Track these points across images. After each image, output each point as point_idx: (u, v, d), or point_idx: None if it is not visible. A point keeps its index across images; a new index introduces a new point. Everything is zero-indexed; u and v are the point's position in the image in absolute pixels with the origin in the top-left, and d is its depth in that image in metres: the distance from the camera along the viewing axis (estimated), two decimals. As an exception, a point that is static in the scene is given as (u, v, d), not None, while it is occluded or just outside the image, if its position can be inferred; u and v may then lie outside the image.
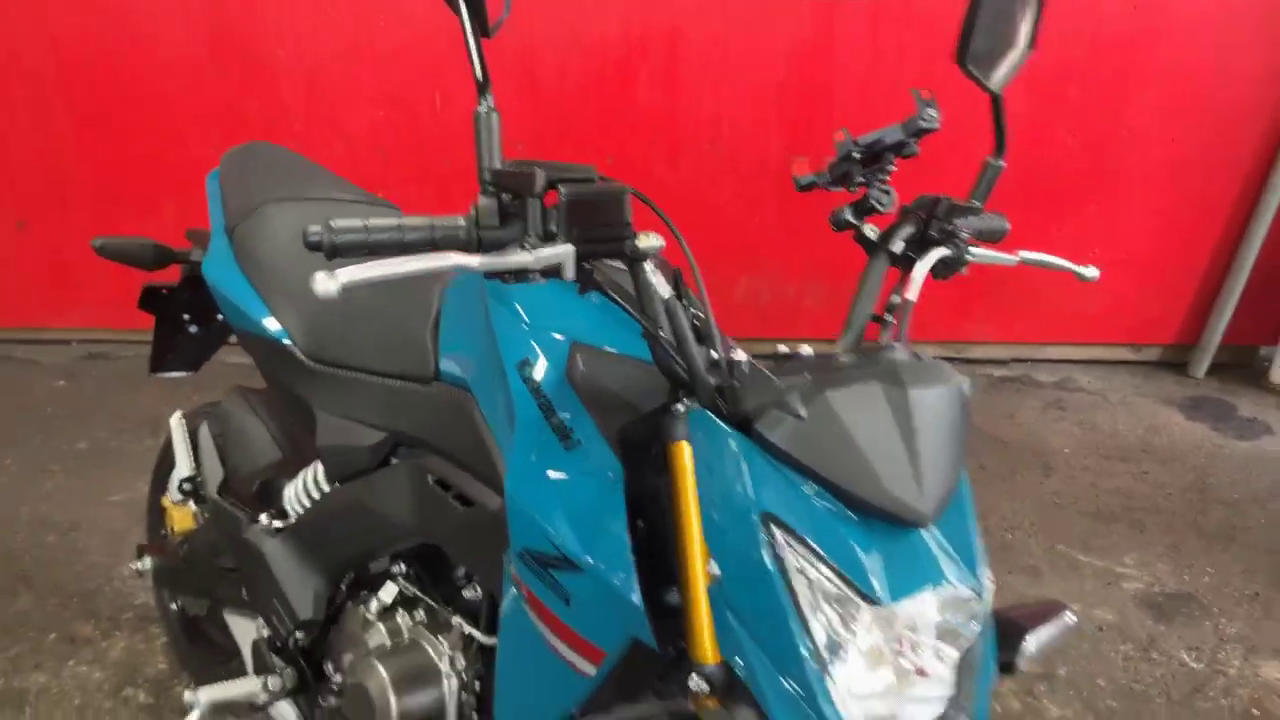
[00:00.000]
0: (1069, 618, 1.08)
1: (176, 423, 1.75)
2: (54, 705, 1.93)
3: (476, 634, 1.24)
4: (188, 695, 1.38)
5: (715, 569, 0.86)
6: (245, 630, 1.61)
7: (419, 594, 1.33)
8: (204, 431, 1.69)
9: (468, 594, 1.30)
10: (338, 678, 1.37)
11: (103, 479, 2.72)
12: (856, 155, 1.07)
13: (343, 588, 1.44)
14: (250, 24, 3.13)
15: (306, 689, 1.43)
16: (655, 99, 3.23)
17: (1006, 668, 1.01)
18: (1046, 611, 1.07)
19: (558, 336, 1.04)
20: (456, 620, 1.27)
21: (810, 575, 0.82)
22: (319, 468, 1.44)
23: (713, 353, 0.88)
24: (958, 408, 0.89)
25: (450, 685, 1.26)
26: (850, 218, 1.10)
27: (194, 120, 3.25)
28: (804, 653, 0.81)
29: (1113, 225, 3.51)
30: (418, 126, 3.08)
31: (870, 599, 0.81)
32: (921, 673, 0.85)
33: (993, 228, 1.23)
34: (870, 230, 1.10)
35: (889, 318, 1.07)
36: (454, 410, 1.17)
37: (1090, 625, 2.30)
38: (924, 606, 0.84)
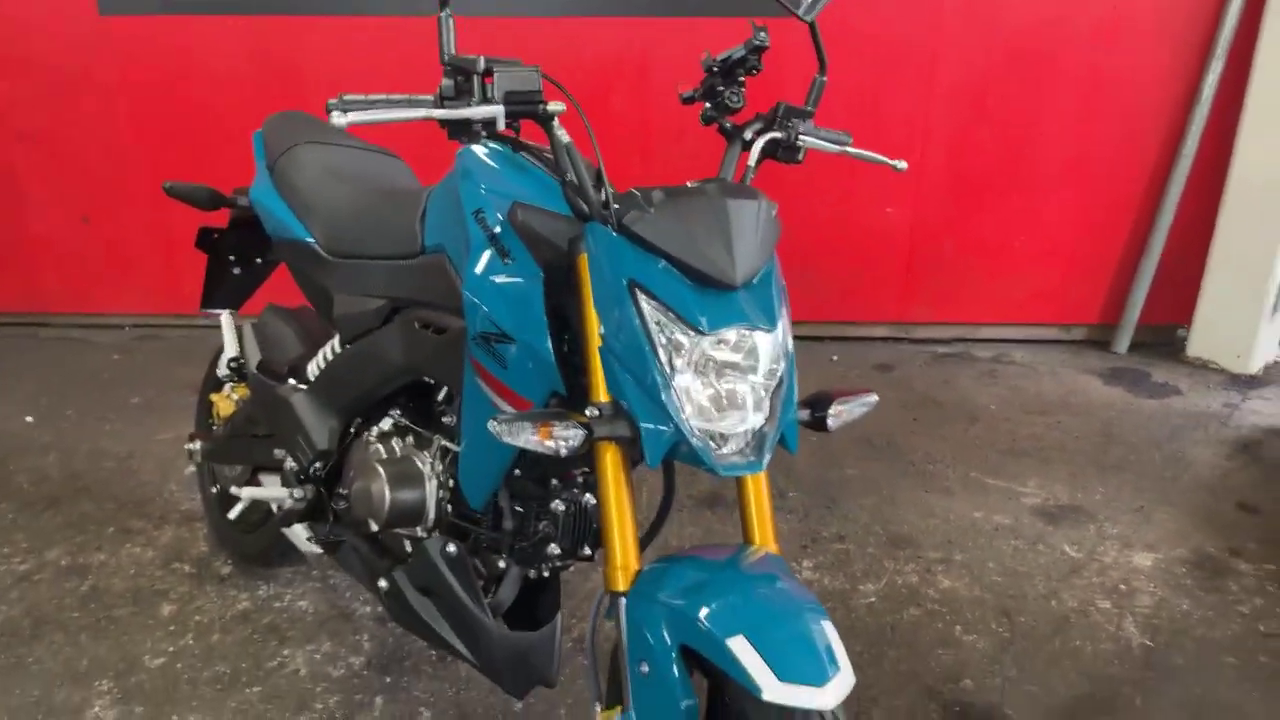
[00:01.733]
0: (873, 398, 1.48)
1: (227, 319, 2.20)
2: (112, 575, 2.35)
3: (451, 445, 1.66)
4: (233, 489, 1.80)
5: (603, 330, 1.28)
6: (273, 482, 2.04)
7: (409, 424, 1.76)
8: (247, 328, 2.15)
9: (446, 419, 1.72)
10: (345, 490, 1.80)
11: (153, 424, 3.16)
12: (715, 68, 1.52)
13: (351, 429, 1.87)
14: (286, 46, 3.69)
15: (322, 510, 1.85)
16: (628, 111, 3.75)
17: (819, 424, 1.42)
18: (856, 392, 1.47)
19: (504, 197, 1.49)
20: (436, 437, 1.69)
21: (659, 319, 1.23)
22: (334, 341, 1.88)
23: (605, 190, 1.32)
24: (766, 215, 1.30)
25: (431, 485, 1.67)
26: (713, 113, 1.54)
27: (238, 129, 3.78)
28: (654, 372, 1.21)
29: (1035, 218, 3.96)
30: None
31: (697, 330, 1.23)
32: (734, 396, 1.26)
33: (834, 137, 1.65)
34: (728, 124, 1.54)
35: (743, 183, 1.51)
36: (434, 270, 1.60)
37: (989, 527, 2.68)
38: (734, 340, 1.25)
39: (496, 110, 1.28)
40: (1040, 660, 2.12)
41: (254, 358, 2.08)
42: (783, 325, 1.31)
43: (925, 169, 3.86)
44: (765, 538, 1.37)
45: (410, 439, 1.76)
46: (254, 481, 2.15)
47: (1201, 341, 3.95)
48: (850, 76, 3.64)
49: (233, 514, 1.88)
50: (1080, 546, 2.60)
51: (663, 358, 1.22)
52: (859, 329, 4.12)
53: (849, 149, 1.61)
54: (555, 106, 1.32)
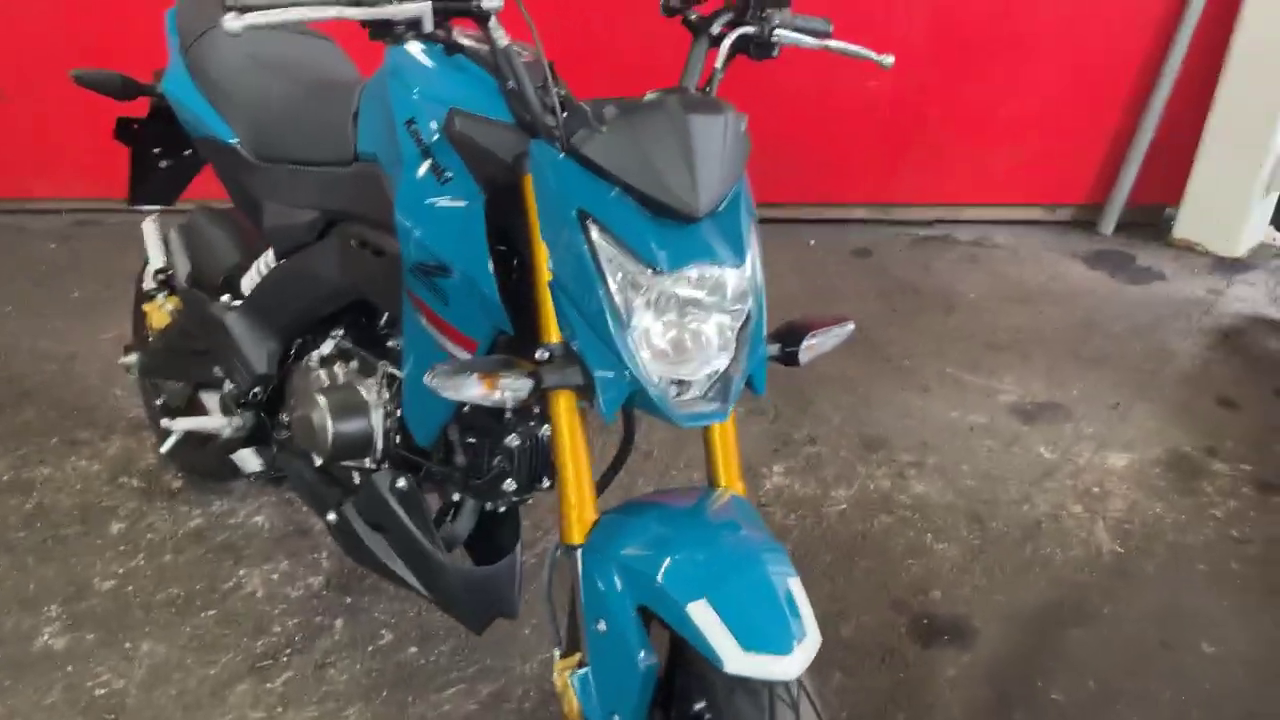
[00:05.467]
0: (849, 328, 1.36)
1: (149, 225, 2.03)
2: (57, 490, 2.26)
3: (397, 372, 1.54)
4: (164, 422, 1.69)
5: (552, 265, 1.15)
6: (213, 401, 1.92)
7: (353, 348, 1.64)
8: (174, 234, 1.98)
9: (390, 344, 1.60)
10: (287, 415, 1.68)
11: (96, 321, 3.00)
12: None
13: (292, 352, 1.74)
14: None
15: (265, 436, 1.75)
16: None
17: (791, 359, 1.31)
18: (830, 321, 1.35)
19: (440, 104, 1.31)
20: (382, 364, 1.57)
21: (612, 255, 1.10)
22: (268, 254, 1.72)
23: (553, 101, 1.15)
24: (733, 132, 1.15)
25: (377, 415, 1.56)
26: (676, 3, 1.35)
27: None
28: (608, 315, 1.08)
29: (1022, 88, 3.73)
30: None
31: (655, 268, 1.09)
32: (696, 337, 1.14)
33: (814, 27, 1.46)
34: (694, 15, 1.36)
35: (708, 89, 1.34)
36: (369, 182, 1.44)
37: (964, 427, 2.63)
38: (695, 278, 1.12)
39: (422, 8, 1.10)
40: (1010, 569, 2.10)
41: (183, 268, 1.91)
42: (751, 257, 1.18)
43: (909, 36, 3.59)
44: (731, 479, 1.29)
45: (354, 364, 1.64)
46: (195, 399, 2.04)
47: (1189, 223, 3.83)
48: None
49: (164, 448, 1.77)
50: (1055, 447, 2.56)
51: (617, 298, 1.10)
52: (837, 210, 3.95)
53: (830, 43, 1.44)
54: (492, 2, 1.14)
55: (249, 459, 1.82)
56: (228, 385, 1.79)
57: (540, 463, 1.53)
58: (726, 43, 1.32)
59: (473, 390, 1.10)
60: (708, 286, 1.13)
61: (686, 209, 1.10)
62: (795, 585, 1.08)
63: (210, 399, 1.96)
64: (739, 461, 1.29)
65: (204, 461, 2.17)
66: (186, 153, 2.11)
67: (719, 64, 1.32)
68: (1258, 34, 3.46)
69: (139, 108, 2.01)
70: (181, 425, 1.71)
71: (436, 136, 1.26)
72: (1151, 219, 3.99)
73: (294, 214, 1.61)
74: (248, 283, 1.79)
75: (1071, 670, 1.84)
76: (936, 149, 3.82)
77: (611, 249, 1.09)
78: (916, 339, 3.10)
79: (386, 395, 1.57)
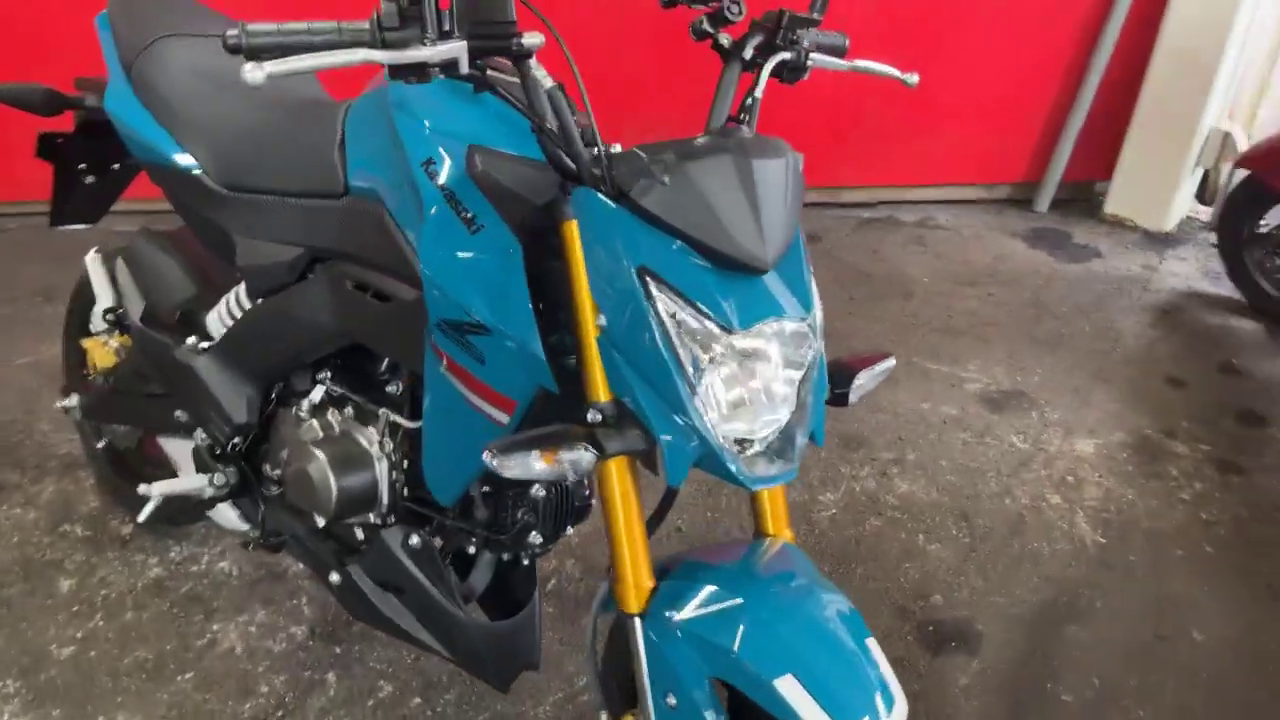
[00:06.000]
0: (890, 362, 1.32)
1: (93, 259, 1.83)
2: (-8, 544, 2.05)
3: (401, 420, 1.42)
4: (142, 488, 1.53)
5: (603, 320, 1.05)
6: (182, 450, 1.76)
7: (346, 393, 1.50)
8: (120, 266, 1.78)
9: (390, 389, 1.47)
10: (278, 472, 1.54)
11: (6, 345, 2.74)
12: None
13: (273, 396, 1.60)
14: None
15: (248, 489, 1.60)
16: None
17: (841, 400, 1.26)
18: (873, 358, 1.31)
19: (457, 139, 1.19)
20: (383, 411, 1.45)
21: (677, 315, 1.01)
22: (240, 289, 1.57)
23: (597, 146, 1.05)
24: (794, 174, 1.09)
25: (381, 467, 1.44)
26: (708, 27, 1.26)
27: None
28: (675, 377, 1.01)
29: (961, 73, 3.77)
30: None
31: (725, 328, 1.02)
32: (769, 393, 1.07)
33: (835, 43, 1.40)
34: (725, 39, 1.27)
35: (744, 116, 1.26)
36: (365, 219, 1.31)
37: (936, 420, 2.65)
38: (768, 334, 1.05)
39: (458, 49, 0.99)
40: (1002, 567, 2.13)
41: (136, 306, 1.73)
42: (816, 307, 1.12)
43: (848, 19, 3.55)
44: (779, 526, 1.24)
45: (348, 411, 1.51)
46: (147, 443, 1.86)
47: (1120, 198, 3.94)
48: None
49: (142, 517, 1.61)
50: (1026, 436, 2.60)
51: (684, 359, 1.02)
52: (783, 194, 3.92)
53: (858, 64, 1.38)
54: (533, 39, 1.03)
55: (230, 516, 1.67)
56: (200, 435, 1.63)
57: (566, 510, 1.45)
58: (766, 70, 1.24)
59: (536, 467, 1.02)
60: (778, 341, 1.07)
61: (756, 262, 1.03)
62: (874, 646, 1.06)
63: (172, 445, 1.79)
64: (787, 508, 1.25)
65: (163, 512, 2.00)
66: (115, 167, 1.91)
67: (758, 93, 1.24)
68: (1188, 13, 3.56)
69: (63, 121, 1.80)
70: (160, 490, 1.56)
71: (460, 179, 1.15)
72: (1083, 194, 4.11)
73: (272, 250, 1.46)
74: (214, 321, 1.63)
75: (1076, 669, 1.87)
76: (877, 132, 3.83)
77: (676, 307, 1.02)
78: (877, 328, 3.10)
79: (390, 445, 1.45)
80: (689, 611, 1.05)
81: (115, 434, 1.96)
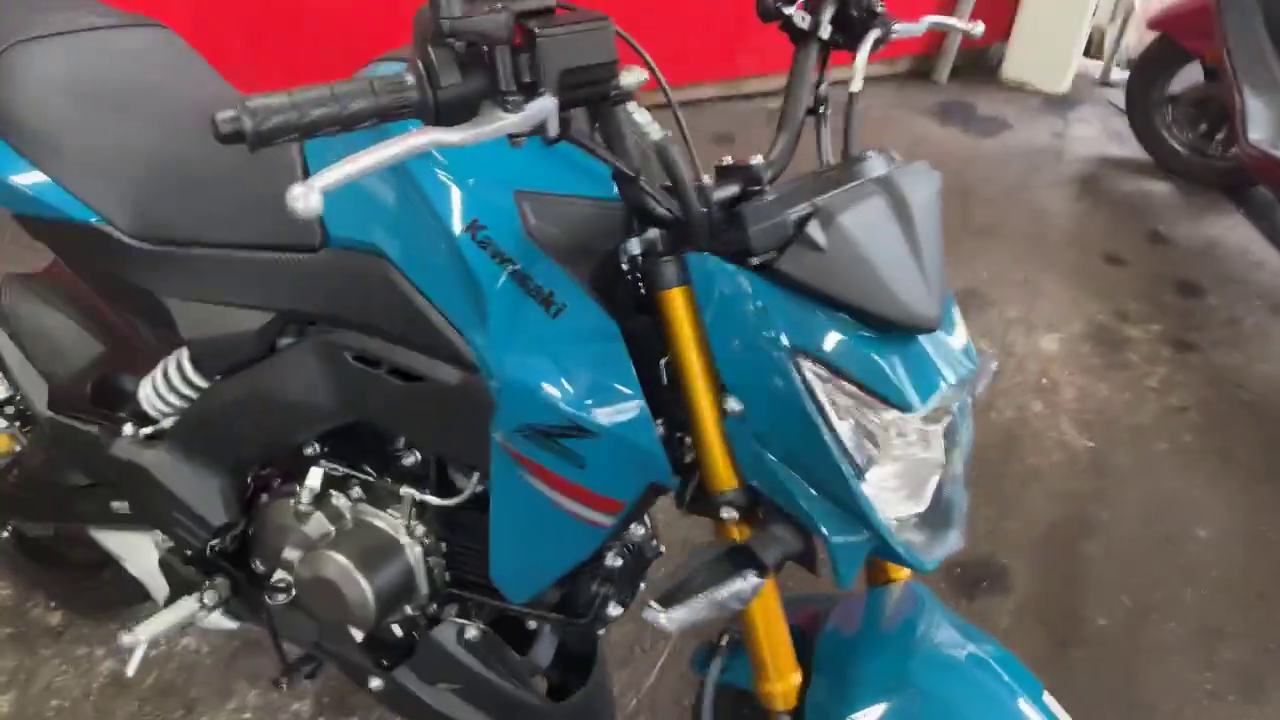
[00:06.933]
0: (994, 365, 1.18)
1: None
2: (-108, 664, 1.69)
3: (429, 499, 1.19)
4: (126, 638, 1.24)
5: (736, 405, 0.86)
6: (129, 545, 1.45)
7: (350, 471, 1.25)
8: (2, 339, 1.40)
9: (406, 461, 1.23)
10: (282, 575, 1.28)
11: None
12: None
13: (250, 480, 1.32)
14: None
15: (240, 592, 1.34)
16: None
17: None
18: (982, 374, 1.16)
19: (499, 184, 0.93)
20: (405, 491, 1.21)
21: (840, 399, 0.83)
22: (181, 359, 1.25)
23: (710, 205, 0.84)
24: (939, 204, 0.91)
25: (415, 553, 1.21)
26: (778, 3, 1.03)
27: None
28: (843, 470, 0.84)
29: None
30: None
31: (900, 407, 0.84)
32: (945, 469, 0.92)
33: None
34: (800, 18, 1.04)
35: (824, 110, 1.06)
36: (361, 278, 1.04)
37: (904, 334, 2.58)
38: (945, 404, 0.89)
39: (546, 108, 0.73)
40: (1009, 490, 2.11)
41: (36, 390, 1.37)
42: (972, 349, 0.97)
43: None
44: (896, 566, 1.12)
45: (355, 492, 1.25)
46: (72, 532, 1.54)
47: (1017, 62, 3.89)
48: None
49: (131, 668, 1.30)
50: (991, 338, 2.57)
51: (851, 447, 0.85)
52: (687, 92, 3.66)
53: (933, 20, 1.18)
54: (633, 77, 0.79)
55: (217, 619, 1.39)
56: (159, 538, 1.34)
57: (639, 568, 1.28)
58: (862, 57, 1.03)
59: (706, 615, 0.85)
60: (953, 410, 0.91)
61: (926, 323, 0.86)
62: (1051, 703, 0.96)
63: (112, 538, 1.48)
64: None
65: (94, 596, 1.70)
66: None
67: (855, 85, 1.03)
68: None
69: None
70: (147, 634, 1.26)
71: (524, 244, 0.90)
72: (979, 60, 4.02)
73: (229, 318, 1.16)
74: (150, 397, 1.30)
75: (1102, 591, 1.89)
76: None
77: (841, 393, 0.84)
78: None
79: (420, 528, 1.22)
80: (853, 703, 0.94)
81: (24, 528, 1.61)
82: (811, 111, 1.05)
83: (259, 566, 1.33)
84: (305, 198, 0.62)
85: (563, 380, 0.90)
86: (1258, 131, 2.58)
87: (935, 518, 0.94)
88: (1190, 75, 3.16)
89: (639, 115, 0.81)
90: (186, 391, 1.27)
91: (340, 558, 1.17)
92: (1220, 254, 2.91)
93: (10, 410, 1.44)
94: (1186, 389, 2.40)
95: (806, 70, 1.04)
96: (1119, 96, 3.81)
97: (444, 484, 1.21)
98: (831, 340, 0.83)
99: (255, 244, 1.12)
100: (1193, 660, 1.76)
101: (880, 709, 0.93)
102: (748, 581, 0.85)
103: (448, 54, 0.71)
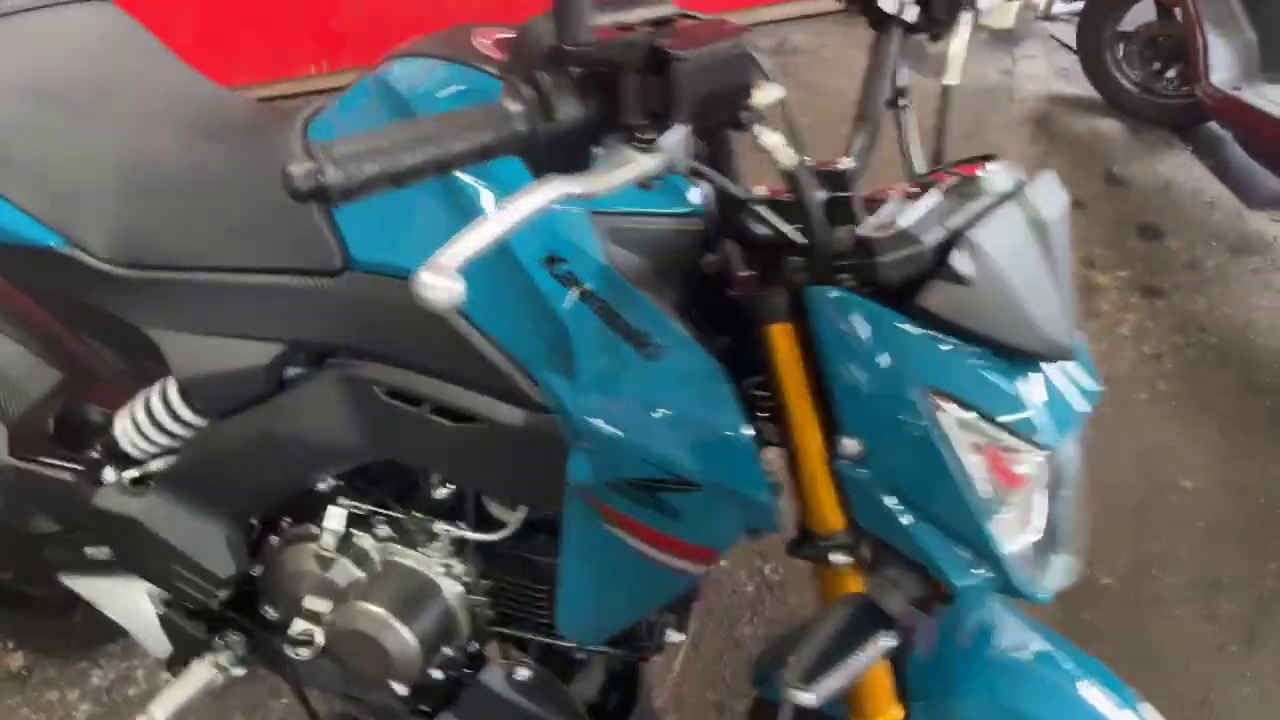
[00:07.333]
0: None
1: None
2: None
3: (468, 534, 1.09)
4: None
5: (854, 446, 0.79)
6: (109, 592, 1.30)
7: (374, 509, 1.13)
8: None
9: (438, 494, 1.11)
10: (305, 626, 1.16)
11: None
12: None
13: (254, 522, 1.18)
14: None
15: (257, 648, 1.21)
16: None
17: None
18: None
19: (573, 209, 0.82)
20: (441, 527, 1.10)
21: (978, 438, 0.77)
22: (170, 395, 1.10)
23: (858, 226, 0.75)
24: (1069, 222, 0.83)
25: (455, 593, 1.12)
26: None
27: None
28: (974, 511, 0.78)
29: None
30: None
31: (1041, 445, 0.78)
32: (1053, 488, 0.86)
33: None
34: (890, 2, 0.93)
35: (905, 103, 0.97)
36: (393, 307, 0.92)
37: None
38: (1078, 434, 0.84)
39: (680, 140, 0.63)
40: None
41: (-8, 430, 1.19)
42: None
43: None
44: None
45: (383, 530, 1.14)
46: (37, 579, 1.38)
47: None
48: None
49: None
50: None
51: (981, 486, 0.79)
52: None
53: None
54: (769, 95, 0.69)
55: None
56: (158, 595, 1.20)
57: (695, 590, 1.21)
58: (958, 46, 0.94)
59: (844, 684, 0.79)
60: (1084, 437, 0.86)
61: (1062, 353, 0.80)
62: (1147, 710, 0.95)
63: (88, 585, 1.32)
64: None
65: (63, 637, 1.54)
66: None
67: (951, 77, 0.94)
68: None
69: None
70: (164, 713, 1.11)
71: (612, 279, 0.80)
72: (922, -5, 3.93)
73: (230, 351, 1.02)
74: (129, 434, 1.15)
75: (1102, 547, 1.90)
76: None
77: (979, 434, 0.77)
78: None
79: (459, 566, 1.12)
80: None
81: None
82: (892, 104, 0.96)
83: (271, 614, 1.20)
84: (444, 288, 0.51)
85: (663, 430, 0.81)
86: (1220, 72, 2.59)
87: (1049, 545, 0.89)
88: (1142, 13, 3.15)
89: (768, 138, 0.70)
90: (177, 430, 1.12)
91: (377, 609, 1.07)
92: (1175, 195, 2.94)
93: (-37, 458, 1.26)
94: (1157, 336, 2.43)
95: (888, 58, 0.94)
96: (1061, 31, 3.79)
97: (482, 517, 1.10)
98: (971, 378, 0.76)
99: (259, 267, 0.97)
100: (1194, 613, 1.80)
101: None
102: (886, 641, 0.80)
103: (566, 80, 0.59)
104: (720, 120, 0.68)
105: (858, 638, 0.80)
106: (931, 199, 0.78)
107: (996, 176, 0.81)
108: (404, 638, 1.06)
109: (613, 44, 0.59)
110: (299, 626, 1.17)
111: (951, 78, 0.93)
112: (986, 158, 0.85)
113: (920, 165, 0.95)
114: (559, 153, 0.63)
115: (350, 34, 3.02)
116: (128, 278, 1.01)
